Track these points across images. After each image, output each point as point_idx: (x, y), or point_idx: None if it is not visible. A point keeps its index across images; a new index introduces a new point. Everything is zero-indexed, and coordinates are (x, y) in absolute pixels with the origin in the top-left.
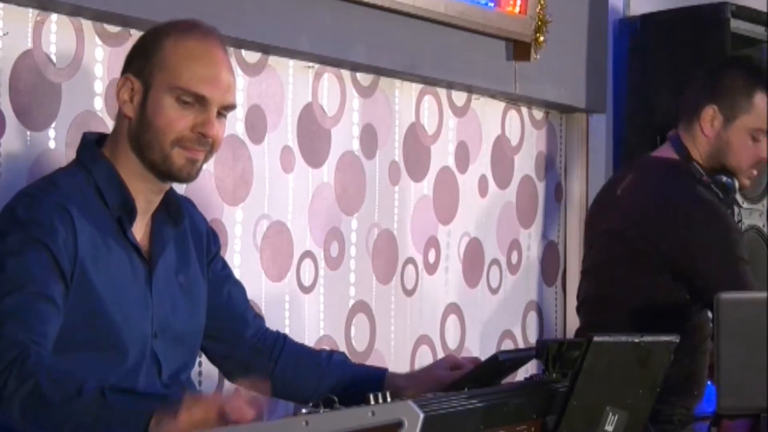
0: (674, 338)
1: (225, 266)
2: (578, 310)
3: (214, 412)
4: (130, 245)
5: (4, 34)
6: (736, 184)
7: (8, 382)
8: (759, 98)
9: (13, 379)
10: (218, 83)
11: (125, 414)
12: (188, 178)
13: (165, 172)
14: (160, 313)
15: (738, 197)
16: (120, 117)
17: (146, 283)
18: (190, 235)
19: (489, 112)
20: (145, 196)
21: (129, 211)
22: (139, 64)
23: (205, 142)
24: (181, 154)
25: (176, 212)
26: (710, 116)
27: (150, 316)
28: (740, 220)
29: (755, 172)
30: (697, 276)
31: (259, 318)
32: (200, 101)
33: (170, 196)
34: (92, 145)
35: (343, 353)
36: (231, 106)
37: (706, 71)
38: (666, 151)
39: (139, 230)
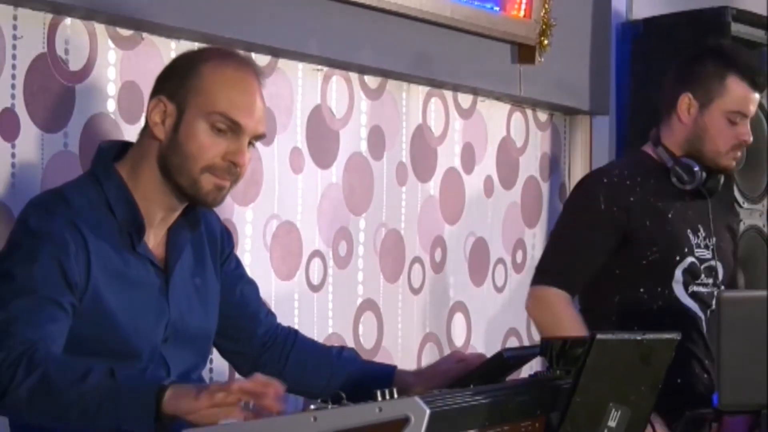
0: (676, 336)
1: (239, 265)
2: None
3: (236, 399)
4: (143, 257)
5: (18, 38)
6: (701, 171)
7: (16, 374)
8: (732, 80)
9: (21, 371)
10: (253, 113)
11: (135, 390)
12: (213, 203)
13: (191, 197)
14: (175, 318)
15: (738, 197)
16: (146, 136)
17: (162, 292)
18: (206, 237)
19: (494, 114)
20: (164, 213)
21: (138, 229)
22: (173, 86)
23: (235, 172)
24: (210, 181)
25: (194, 218)
26: (686, 104)
27: (164, 324)
28: (740, 220)
29: (738, 154)
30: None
31: (271, 315)
32: (234, 129)
33: (188, 206)
34: (107, 158)
35: (352, 350)
36: (262, 136)
37: (678, 63)
38: (646, 147)
39: (154, 239)
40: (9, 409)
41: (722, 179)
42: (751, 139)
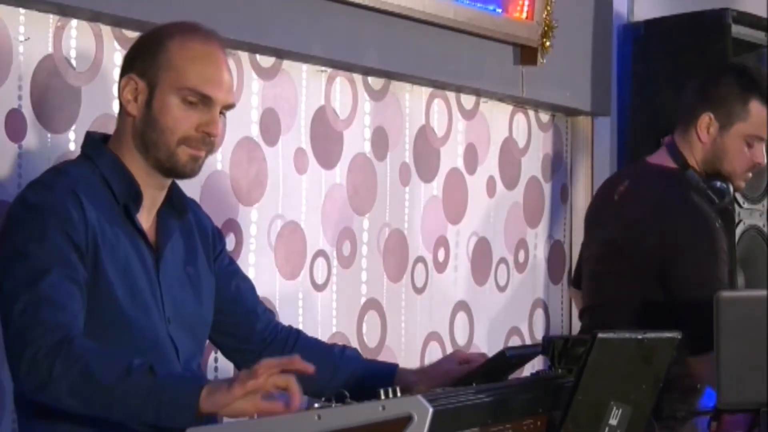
0: (677, 335)
1: (232, 262)
2: (581, 315)
3: (265, 380)
4: (136, 233)
5: (25, 39)
6: (731, 188)
7: (55, 365)
8: (754, 105)
9: (60, 361)
10: (222, 84)
11: (176, 389)
12: (191, 174)
13: (170, 169)
14: (169, 300)
15: (738, 197)
16: (123, 116)
17: (154, 270)
18: (197, 231)
19: (497, 115)
20: (150, 192)
21: (135, 197)
22: (143, 64)
23: (209, 141)
24: (186, 152)
25: (180, 205)
26: (706, 123)
27: (160, 302)
28: (740, 220)
29: (750, 175)
30: (677, 289)
31: (269, 312)
32: (205, 101)
33: (174, 191)
34: (96, 140)
35: (355, 349)
36: (231, 106)
37: (703, 78)
38: (662, 158)
39: (145, 223)
40: (49, 399)
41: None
42: (765, 161)
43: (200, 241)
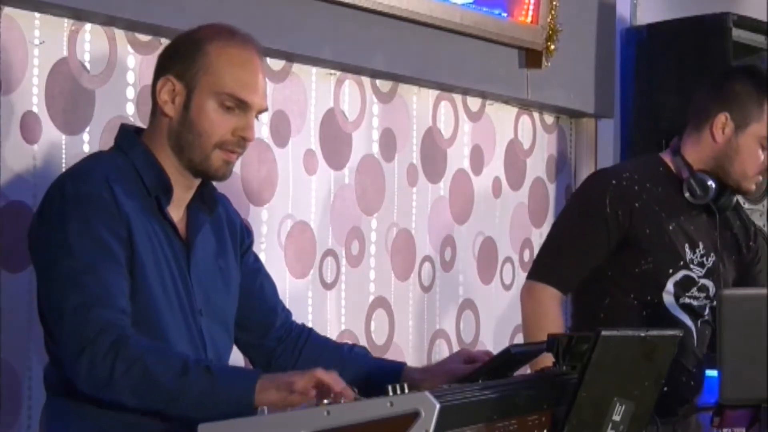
0: (678, 333)
1: (257, 259)
2: None
3: (313, 382)
4: (167, 225)
5: (40, 43)
6: (713, 185)
7: (115, 366)
8: None
9: (120, 363)
10: (258, 90)
11: (231, 388)
12: (222, 178)
13: (202, 172)
14: (200, 292)
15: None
16: (157, 115)
17: (185, 262)
18: (226, 225)
19: (502, 117)
20: (179, 189)
21: (166, 190)
22: (181, 66)
23: (244, 145)
24: (220, 157)
25: (210, 200)
26: (722, 123)
27: (192, 294)
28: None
29: (760, 178)
30: None
31: (287, 310)
32: (242, 106)
33: (205, 187)
34: (130, 132)
35: (363, 347)
36: (265, 110)
37: (715, 78)
38: (664, 154)
39: (175, 217)
40: (111, 398)
41: (735, 199)
42: None
43: (229, 235)
